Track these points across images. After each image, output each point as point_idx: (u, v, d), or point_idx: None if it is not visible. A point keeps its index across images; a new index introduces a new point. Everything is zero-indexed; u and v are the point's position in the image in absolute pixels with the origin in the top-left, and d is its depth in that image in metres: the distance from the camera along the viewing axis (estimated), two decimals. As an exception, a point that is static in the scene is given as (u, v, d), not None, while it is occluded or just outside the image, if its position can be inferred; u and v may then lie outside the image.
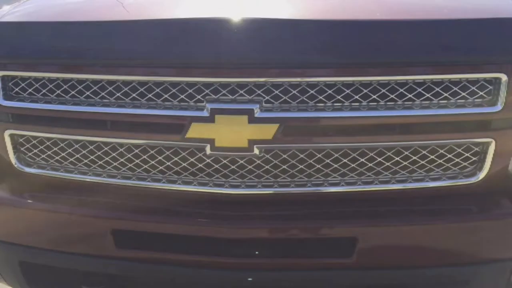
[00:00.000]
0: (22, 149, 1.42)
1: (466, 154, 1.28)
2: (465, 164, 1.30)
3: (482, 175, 1.29)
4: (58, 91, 1.34)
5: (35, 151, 1.41)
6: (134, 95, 1.28)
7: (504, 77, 1.23)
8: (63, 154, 1.38)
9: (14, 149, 1.42)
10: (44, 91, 1.35)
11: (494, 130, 1.27)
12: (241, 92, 1.23)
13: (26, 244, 1.41)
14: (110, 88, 1.30)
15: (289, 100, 1.23)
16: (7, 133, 1.40)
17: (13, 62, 1.39)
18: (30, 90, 1.37)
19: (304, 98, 1.23)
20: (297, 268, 1.30)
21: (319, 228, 1.29)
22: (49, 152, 1.40)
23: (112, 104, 1.31)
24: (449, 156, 1.28)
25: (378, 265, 1.29)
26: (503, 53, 1.25)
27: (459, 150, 1.28)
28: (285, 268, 1.30)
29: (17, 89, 1.38)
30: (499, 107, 1.25)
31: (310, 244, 1.30)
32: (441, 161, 1.28)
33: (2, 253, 1.45)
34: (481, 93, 1.25)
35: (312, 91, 1.23)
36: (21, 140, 1.42)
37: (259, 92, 1.23)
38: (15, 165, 1.43)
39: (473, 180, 1.29)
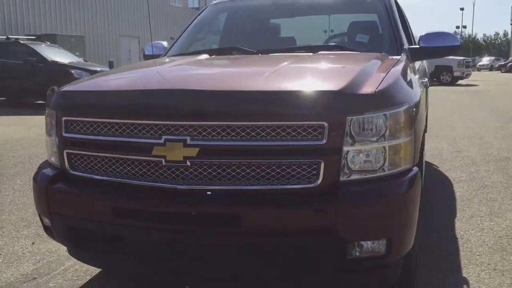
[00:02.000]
0: (71, 161, 2.51)
1: (309, 169, 2.15)
2: (309, 175, 2.16)
3: (318, 182, 2.13)
4: (91, 128, 2.42)
5: (78, 162, 2.50)
6: (128, 130, 2.32)
7: (326, 124, 2.11)
8: (92, 164, 2.45)
9: (68, 161, 2.51)
10: (84, 128, 2.44)
11: (322, 154, 2.13)
12: (181, 130, 2.21)
13: (70, 214, 2.48)
14: (116, 127, 2.35)
15: (206, 135, 2.19)
16: (65, 151, 2.51)
17: (71, 112, 2.50)
18: (77, 127, 2.47)
19: (214, 134, 2.18)
20: (210, 232, 2.21)
21: (222, 208, 2.19)
22: (85, 163, 2.47)
23: (118, 135, 2.35)
24: (298, 170, 2.15)
25: (255, 232, 2.16)
26: (324, 110, 2.13)
27: (305, 166, 2.15)
28: (203, 232, 2.21)
29: (71, 127, 2.49)
30: (324, 141, 2.12)
31: (217, 219, 2.19)
32: (294, 173, 2.16)
33: (58, 221, 2.52)
34: (314, 133, 2.12)
35: (218, 130, 2.17)
36: (71, 155, 2.51)
37: (190, 130, 2.20)
38: (68, 170, 2.52)
39: (314, 185, 2.14)
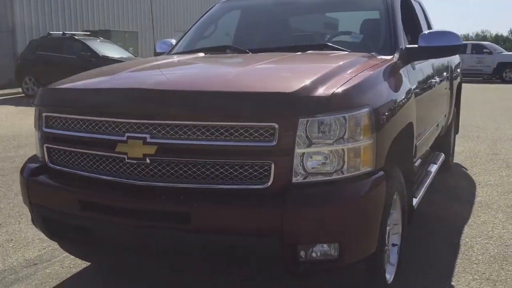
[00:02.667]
0: (50, 154, 2.64)
1: (260, 170, 2.16)
2: (261, 176, 2.16)
3: (269, 183, 2.14)
4: (66, 124, 2.53)
5: (56, 156, 2.62)
6: (96, 127, 2.42)
7: (276, 125, 2.11)
8: (67, 158, 2.56)
9: (47, 155, 2.64)
10: (61, 124, 2.56)
11: (272, 156, 2.13)
12: (142, 128, 2.28)
13: (46, 206, 2.60)
14: (87, 123, 2.45)
15: (165, 133, 2.24)
16: (44, 146, 2.64)
17: (50, 108, 2.63)
18: (55, 123, 2.59)
19: (172, 132, 2.23)
20: (164, 227, 2.26)
21: (174, 206, 2.24)
22: (61, 157, 2.59)
23: (88, 131, 2.45)
24: (251, 170, 2.16)
25: (205, 230, 2.19)
26: (275, 111, 2.12)
27: (256, 167, 2.16)
28: (157, 228, 2.27)
29: (50, 122, 2.61)
30: (274, 142, 2.12)
31: (170, 215, 2.25)
32: (246, 173, 2.17)
33: (36, 211, 2.66)
34: (266, 134, 2.13)
35: (176, 128, 2.23)
36: (50, 149, 2.63)
37: (150, 128, 2.27)
38: (47, 163, 2.65)
39: (265, 185, 2.15)
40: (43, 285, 3.15)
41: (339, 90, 2.22)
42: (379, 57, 3.01)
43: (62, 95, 2.66)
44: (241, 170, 2.18)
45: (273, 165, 2.13)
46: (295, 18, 3.94)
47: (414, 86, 3.16)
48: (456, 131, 6.46)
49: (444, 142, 5.47)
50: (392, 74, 2.82)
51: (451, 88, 5.26)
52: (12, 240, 3.92)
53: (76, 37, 15.62)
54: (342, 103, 2.19)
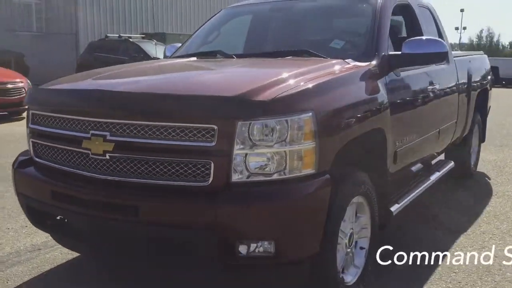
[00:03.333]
0: (35, 149, 2.90)
1: (202, 169, 2.30)
2: (203, 174, 2.30)
3: (209, 181, 2.28)
4: (47, 121, 2.79)
5: (39, 150, 2.88)
6: (68, 124, 2.65)
7: (215, 127, 2.24)
8: (47, 152, 2.82)
9: (33, 149, 2.91)
10: (42, 120, 2.82)
11: (212, 156, 2.27)
12: (104, 126, 2.49)
13: (29, 195, 2.87)
14: (62, 121, 2.69)
15: (122, 132, 2.43)
16: (30, 140, 2.91)
17: (35, 106, 2.89)
18: (39, 120, 2.85)
19: (127, 131, 2.42)
20: (116, 218, 2.45)
21: (124, 199, 2.43)
22: (43, 151, 2.85)
23: (62, 128, 2.69)
24: (194, 169, 2.31)
25: (152, 222, 2.36)
26: (214, 114, 2.26)
27: (199, 166, 2.30)
28: (111, 219, 2.47)
29: (35, 119, 2.88)
30: (213, 143, 2.25)
31: (121, 207, 2.43)
32: (190, 171, 2.32)
33: (22, 199, 2.94)
34: (207, 135, 2.27)
35: (131, 127, 2.41)
36: (35, 144, 2.90)
37: (110, 126, 2.47)
38: (33, 156, 2.92)
39: (205, 183, 2.29)
40: (38, 268, 3.44)
41: (282, 94, 2.32)
42: (353, 63, 3.06)
43: (45, 94, 2.93)
44: (185, 168, 2.33)
45: (212, 164, 2.27)
46: (286, 26, 4.03)
47: (393, 93, 3.17)
48: (482, 140, 6.28)
49: (460, 150, 5.37)
50: (359, 80, 2.87)
51: (468, 96, 5.14)
52: (26, 226, 4.26)
53: (131, 40, 16.31)
54: (284, 107, 2.29)
